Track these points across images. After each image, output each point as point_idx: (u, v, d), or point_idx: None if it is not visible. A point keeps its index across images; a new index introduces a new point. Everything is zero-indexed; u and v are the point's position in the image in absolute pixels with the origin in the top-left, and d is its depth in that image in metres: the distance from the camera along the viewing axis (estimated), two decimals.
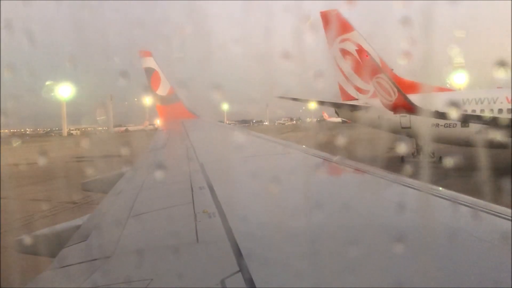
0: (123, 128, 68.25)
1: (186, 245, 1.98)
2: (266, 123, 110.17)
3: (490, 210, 2.11)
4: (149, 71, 17.81)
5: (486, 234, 1.86)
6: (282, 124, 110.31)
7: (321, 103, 24.64)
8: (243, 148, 5.51)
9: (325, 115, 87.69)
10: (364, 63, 18.11)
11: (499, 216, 2.01)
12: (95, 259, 1.96)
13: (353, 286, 1.40)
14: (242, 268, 1.56)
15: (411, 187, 2.77)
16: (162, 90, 17.73)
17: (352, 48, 23.46)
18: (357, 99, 24.17)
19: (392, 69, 22.06)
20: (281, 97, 23.96)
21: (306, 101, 24.69)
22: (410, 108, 15.92)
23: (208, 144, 7.96)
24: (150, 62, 18.00)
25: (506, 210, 2.07)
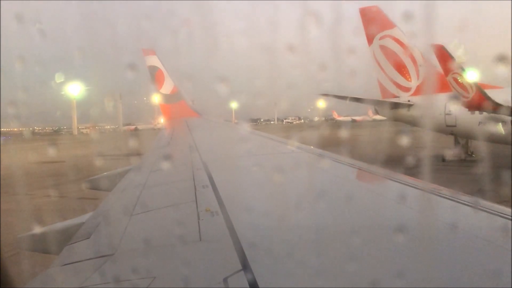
0: (132, 127, 68.42)
1: (189, 244, 1.98)
2: (274, 122, 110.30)
3: (492, 210, 2.10)
4: (153, 70, 17.82)
5: (487, 233, 1.85)
6: (290, 122, 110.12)
7: (362, 100, 24.03)
8: (246, 147, 5.50)
9: (335, 114, 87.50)
10: (440, 59, 17.58)
11: (500, 216, 2.01)
12: (98, 257, 1.96)
13: (356, 285, 1.39)
14: (245, 266, 1.55)
15: (415, 187, 2.76)
16: (166, 89, 17.73)
17: (393, 44, 22.95)
18: (398, 97, 23.60)
19: (436, 66, 21.67)
20: (324, 95, 23.63)
21: (347, 98, 24.12)
22: (490, 106, 15.29)
23: (211, 143, 7.97)
24: (154, 61, 18.00)
25: (506, 209, 2.06)
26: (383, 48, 23.54)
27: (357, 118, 78.91)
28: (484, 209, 2.15)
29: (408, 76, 23.14)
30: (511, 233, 1.81)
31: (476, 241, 1.76)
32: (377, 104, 24.67)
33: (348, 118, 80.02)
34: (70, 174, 18.63)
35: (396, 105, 22.94)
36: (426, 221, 2.02)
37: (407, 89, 23.19)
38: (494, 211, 2.08)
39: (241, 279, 1.46)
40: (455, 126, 19.79)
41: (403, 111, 22.61)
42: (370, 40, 23.88)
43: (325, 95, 23.69)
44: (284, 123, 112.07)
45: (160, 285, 1.54)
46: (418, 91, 22.46)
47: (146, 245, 2.09)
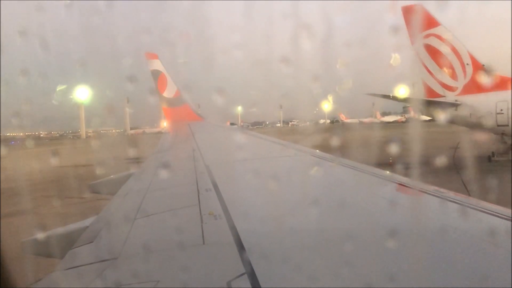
0: (140, 131, 68.06)
1: (192, 247, 1.98)
2: (279, 124, 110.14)
3: (492, 211, 2.10)
4: (156, 74, 17.87)
5: (488, 234, 1.85)
6: (296, 125, 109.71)
7: (408, 100, 23.19)
8: (249, 151, 5.50)
9: (342, 116, 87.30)
10: None
11: (500, 217, 2.01)
12: (102, 261, 1.96)
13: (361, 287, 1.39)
14: (248, 270, 1.55)
15: (417, 189, 2.75)
16: (168, 93, 17.78)
17: (438, 43, 22.24)
18: (443, 96, 22.91)
19: (483, 65, 21.05)
20: (371, 94, 23.36)
21: (394, 98, 23.43)
22: None
23: (214, 147, 7.97)
24: (157, 65, 18.06)
25: (506, 210, 2.06)
26: (427, 47, 22.66)
27: (364, 120, 78.85)
28: (484, 210, 2.15)
29: (454, 75, 22.38)
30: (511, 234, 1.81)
31: (477, 242, 1.76)
32: (422, 104, 23.77)
33: (356, 120, 79.79)
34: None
35: (442, 105, 22.22)
36: (426, 223, 2.02)
37: (453, 89, 22.48)
38: (494, 212, 2.08)
39: (244, 283, 1.46)
40: (507, 125, 19.14)
41: (450, 111, 21.85)
42: (413, 39, 22.63)
43: (372, 94, 23.39)
44: (289, 125, 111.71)
45: None
46: (465, 91, 21.80)
47: (149, 249, 2.09)
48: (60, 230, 3.05)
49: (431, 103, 22.83)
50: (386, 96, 23.50)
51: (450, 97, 22.62)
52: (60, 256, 2.33)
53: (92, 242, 2.35)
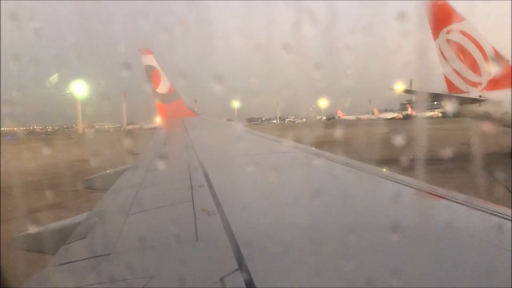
0: (137, 126, 67.47)
1: (186, 243, 1.98)
2: (275, 121, 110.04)
3: (490, 210, 2.11)
4: (150, 69, 17.78)
5: (487, 233, 1.86)
6: (293, 122, 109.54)
7: (433, 95, 22.76)
8: (243, 147, 5.50)
9: (340, 113, 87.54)
10: None
11: (499, 216, 2.02)
12: (95, 257, 1.96)
13: (353, 285, 1.39)
14: (241, 266, 1.55)
15: (413, 187, 2.76)
16: (162, 88, 17.70)
17: (461, 38, 21.79)
18: (466, 92, 22.28)
19: (508, 61, 20.64)
20: (393, 89, 23.17)
21: (417, 93, 23.19)
22: None
23: (208, 142, 7.96)
24: (150, 60, 17.96)
25: (505, 210, 2.08)
26: (450, 42, 22.27)
27: (362, 117, 79.01)
28: (483, 209, 2.16)
29: (478, 71, 21.81)
30: (511, 233, 1.82)
31: (476, 241, 1.77)
32: (444, 99, 22.85)
33: (353, 117, 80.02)
34: None
35: (467, 101, 21.62)
36: (424, 221, 2.03)
37: (477, 84, 21.90)
38: (493, 211, 2.09)
39: (237, 279, 1.46)
40: None
41: (473, 107, 21.34)
42: (435, 34, 22.49)
43: (395, 89, 23.21)
44: (286, 122, 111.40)
45: (157, 285, 1.54)
46: (489, 86, 21.31)
47: (143, 244, 2.09)
48: (53, 225, 3.04)
49: (454, 98, 22.08)
50: (407, 91, 23.13)
51: (473, 93, 22.02)
52: (53, 252, 2.33)
53: (85, 237, 2.34)
